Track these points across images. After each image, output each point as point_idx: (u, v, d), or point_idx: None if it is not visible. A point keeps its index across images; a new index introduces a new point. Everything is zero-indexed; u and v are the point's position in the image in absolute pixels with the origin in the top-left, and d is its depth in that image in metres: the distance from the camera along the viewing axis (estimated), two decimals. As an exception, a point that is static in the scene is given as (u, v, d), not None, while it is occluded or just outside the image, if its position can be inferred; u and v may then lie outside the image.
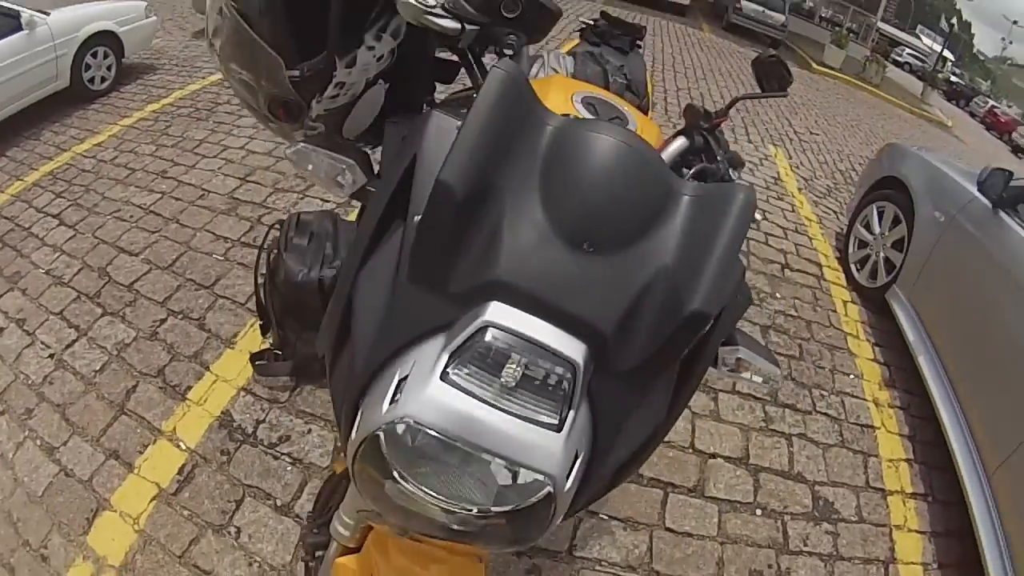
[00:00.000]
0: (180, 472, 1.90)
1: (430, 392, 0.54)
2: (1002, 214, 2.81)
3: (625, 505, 2.04)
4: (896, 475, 2.55)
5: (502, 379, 0.54)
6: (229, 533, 1.75)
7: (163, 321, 2.50)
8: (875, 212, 3.78)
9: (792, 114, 8.07)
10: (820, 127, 7.97)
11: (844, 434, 2.66)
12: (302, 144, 0.78)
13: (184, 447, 1.99)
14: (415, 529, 0.65)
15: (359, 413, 0.60)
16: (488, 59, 0.79)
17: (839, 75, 14.09)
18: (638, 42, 2.17)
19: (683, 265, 0.56)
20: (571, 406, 0.55)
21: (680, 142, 0.90)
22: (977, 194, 2.99)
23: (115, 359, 2.31)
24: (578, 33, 2.18)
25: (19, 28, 4.68)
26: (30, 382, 2.24)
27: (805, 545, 2.14)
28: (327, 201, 3.41)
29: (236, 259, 2.91)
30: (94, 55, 5.37)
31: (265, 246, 2.36)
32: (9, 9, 4.75)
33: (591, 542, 1.90)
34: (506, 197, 0.56)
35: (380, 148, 0.86)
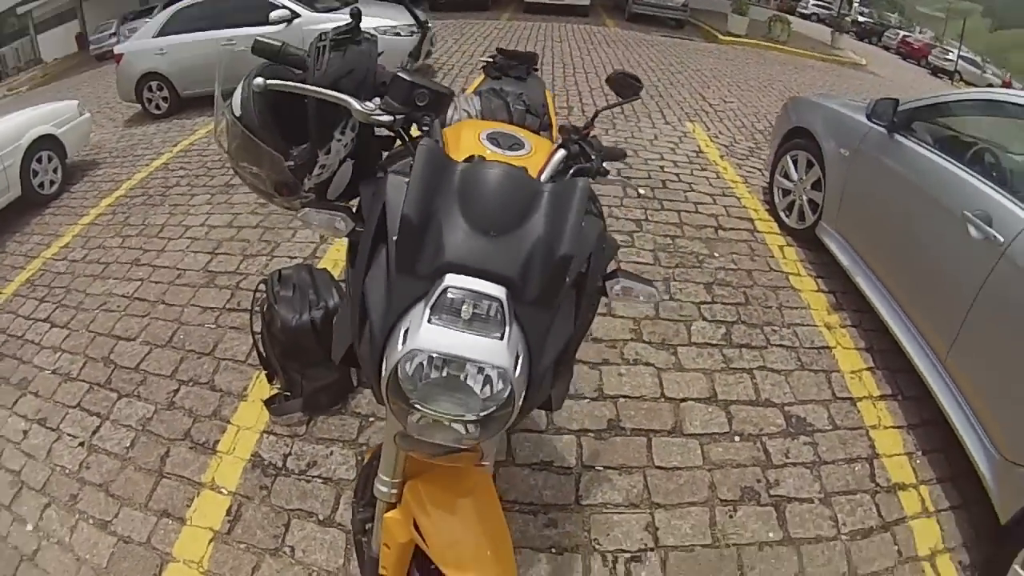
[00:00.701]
0: (228, 513, 2.13)
1: (423, 332, 0.89)
2: (897, 136, 3.15)
3: (615, 456, 2.33)
4: (861, 383, 2.83)
5: (462, 316, 0.89)
6: (284, 553, 1.99)
7: (176, 391, 2.72)
8: (790, 161, 4.15)
9: (704, 88, 8.47)
10: (734, 95, 8.36)
11: (802, 359, 2.94)
12: (305, 209, 1.12)
13: (226, 492, 2.21)
14: (439, 440, 0.96)
15: (384, 364, 0.93)
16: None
17: (746, 40, 14.65)
18: (533, 68, 2.48)
19: (549, 231, 0.94)
20: (505, 324, 0.90)
21: (560, 153, 1.23)
22: (872, 124, 3.34)
23: (142, 433, 2.52)
24: (481, 71, 2.49)
25: None
26: (68, 471, 2.42)
27: (787, 458, 2.40)
28: (293, 257, 3.66)
29: (227, 324, 3.13)
30: (39, 160, 5.46)
31: (254, 307, 2.63)
32: (-50, 125, 4.78)
33: (593, 491, 2.19)
34: (440, 215, 0.94)
35: (357, 200, 1.24)
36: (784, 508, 2.20)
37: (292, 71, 1.28)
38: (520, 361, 0.91)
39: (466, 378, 0.89)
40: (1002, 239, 2.26)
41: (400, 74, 1.16)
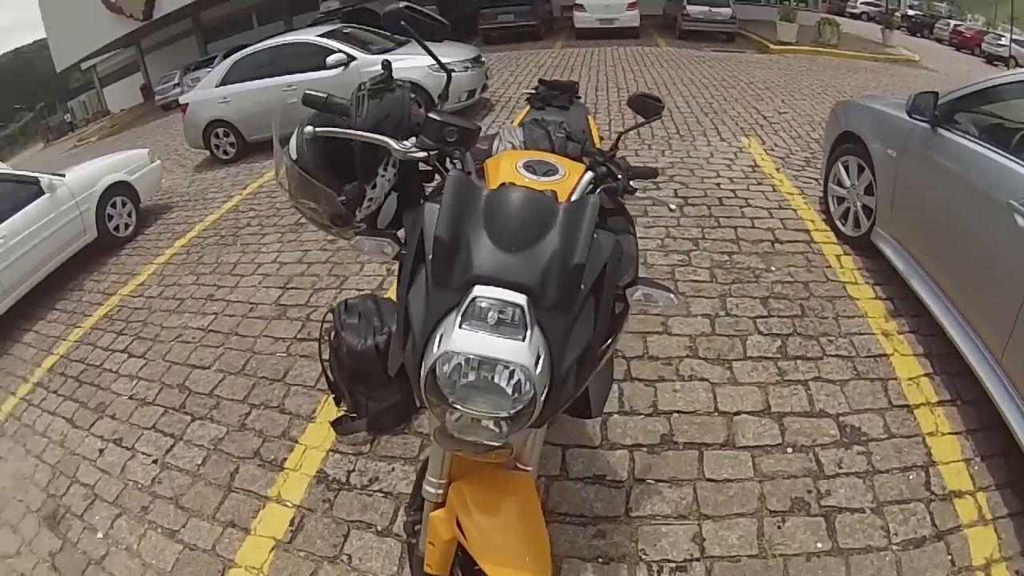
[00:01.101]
0: (291, 524, 2.28)
1: (455, 336, 1.02)
2: (941, 131, 3.07)
3: (667, 469, 2.35)
4: (918, 390, 2.75)
5: (488, 321, 1.02)
6: (342, 561, 2.12)
7: (248, 414, 2.92)
8: (842, 168, 4.07)
9: (758, 100, 8.39)
10: (788, 105, 8.25)
11: (858, 368, 2.88)
12: (357, 237, 1.28)
13: (291, 504, 2.37)
14: (472, 437, 1.07)
15: (423, 366, 1.04)
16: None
17: (797, 48, 14.43)
18: (576, 96, 2.59)
19: (563, 244, 1.06)
20: (527, 327, 1.02)
21: (588, 176, 1.35)
22: (916, 121, 3.26)
23: (214, 452, 2.73)
24: (526, 102, 2.60)
25: (40, 193, 5.20)
26: (140, 486, 2.65)
27: (840, 468, 2.36)
28: (361, 290, 3.85)
29: (297, 353, 3.33)
30: (113, 205, 5.88)
31: (322, 335, 2.80)
32: (27, 176, 5.28)
33: (643, 503, 2.22)
34: (469, 235, 1.07)
35: (403, 229, 1.38)
36: (834, 518, 2.17)
37: (338, 118, 1.47)
38: (541, 361, 1.02)
39: (496, 378, 1.00)
40: None
41: (431, 115, 1.33)
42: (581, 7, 15.75)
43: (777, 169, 5.50)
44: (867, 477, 2.33)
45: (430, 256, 1.06)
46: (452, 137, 1.32)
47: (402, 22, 1.42)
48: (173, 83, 20.12)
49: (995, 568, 2.04)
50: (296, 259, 4.51)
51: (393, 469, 2.46)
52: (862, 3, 33.78)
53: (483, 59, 8.35)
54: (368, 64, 7.55)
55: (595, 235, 1.09)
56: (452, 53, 8.07)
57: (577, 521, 2.15)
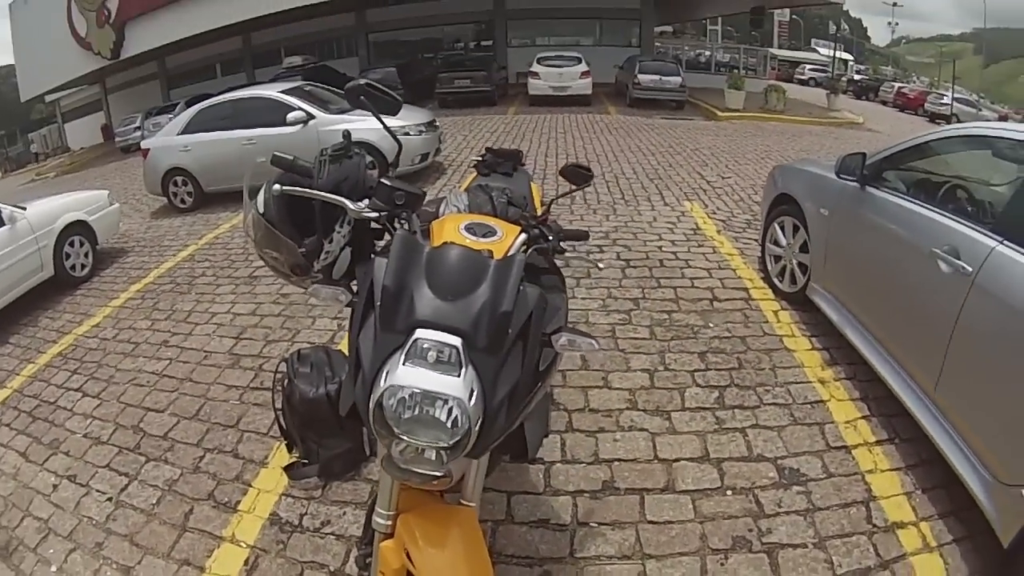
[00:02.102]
0: (246, 563, 2.31)
1: (399, 371, 1.16)
2: (868, 189, 3.33)
3: (609, 513, 2.45)
4: (856, 432, 2.91)
5: (428, 359, 1.16)
6: (296, 601, 2.14)
7: (202, 458, 2.93)
8: (778, 228, 4.36)
9: (703, 166, 8.83)
10: (731, 169, 8.70)
11: (795, 414, 3.04)
12: (314, 285, 1.41)
13: (245, 544, 2.40)
14: (416, 467, 1.19)
15: (371, 399, 1.17)
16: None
17: (744, 114, 15.26)
18: (520, 163, 2.78)
19: (493, 295, 1.21)
20: (462, 365, 1.17)
21: (522, 237, 1.53)
22: (844, 181, 3.51)
23: (168, 492, 2.73)
24: (473, 168, 2.80)
25: (1, 223, 5.08)
26: (95, 522, 2.63)
27: (780, 507, 2.46)
28: (313, 342, 3.90)
29: (250, 401, 3.37)
30: (71, 244, 5.79)
31: (275, 384, 2.86)
32: (-12, 205, 5.08)
33: (587, 544, 2.31)
34: (412, 285, 1.22)
35: (354, 280, 1.52)
36: (777, 554, 2.27)
37: (301, 179, 1.64)
38: (475, 395, 1.17)
39: (435, 412, 1.14)
40: (970, 269, 2.35)
41: (383, 180, 1.52)
42: (536, 75, 16.43)
43: (718, 231, 5.78)
44: (808, 514, 2.43)
45: (378, 303, 1.21)
46: (400, 200, 1.50)
47: (362, 97, 1.60)
48: (134, 126, 20.02)
49: None
50: (250, 311, 4.56)
51: (344, 513, 2.51)
52: (810, 69, 35.75)
53: (437, 123, 8.61)
54: (327, 124, 7.70)
55: (522, 287, 1.26)
56: (408, 117, 8.27)
57: (523, 562, 2.22)
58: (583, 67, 16.56)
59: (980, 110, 27.62)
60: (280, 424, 2.84)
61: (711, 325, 3.93)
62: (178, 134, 8.41)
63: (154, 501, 2.69)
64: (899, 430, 2.91)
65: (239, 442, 3.02)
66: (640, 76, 16.39)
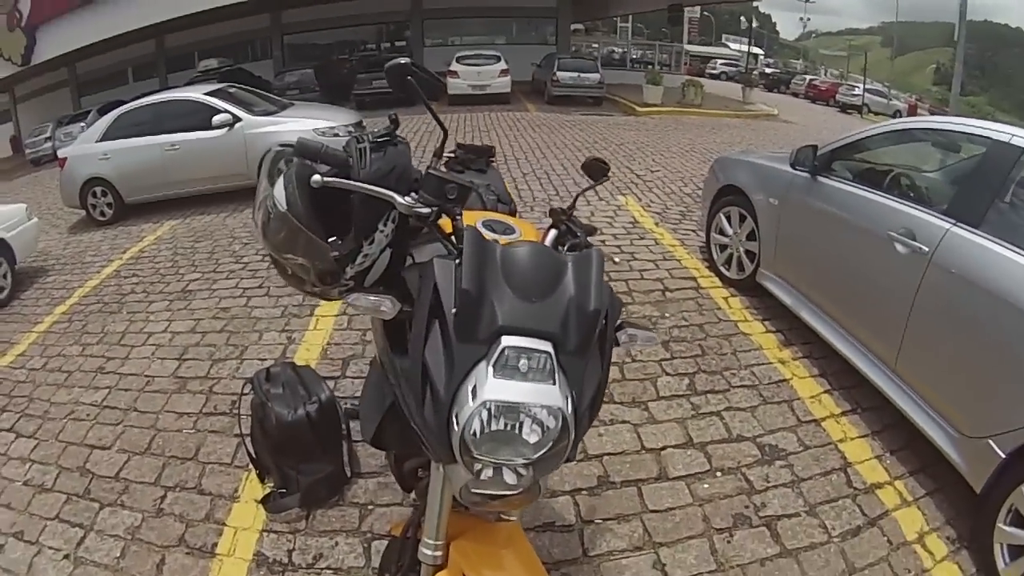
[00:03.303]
0: (240, 615, 2.09)
1: (489, 385, 1.02)
2: (820, 178, 3.54)
3: (611, 508, 2.46)
4: (821, 405, 3.11)
5: (520, 369, 1.04)
6: (306, 649, 1.97)
7: (163, 497, 2.65)
8: (723, 218, 4.51)
9: (630, 161, 9.04)
10: (659, 163, 8.93)
11: (763, 394, 3.20)
12: (353, 295, 1.21)
13: (233, 593, 2.17)
14: (496, 490, 1.07)
15: (453, 421, 1.05)
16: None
17: (663, 109, 15.75)
18: (491, 159, 2.71)
19: (579, 293, 1.11)
20: (555, 372, 1.06)
21: (553, 233, 1.47)
22: (797, 172, 3.72)
23: (132, 541, 2.44)
24: (444, 165, 2.69)
25: None
26: None
27: (768, 482, 2.60)
28: (264, 359, 3.68)
29: (206, 428, 3.11)
30: (-12, 265, 5.25)
31: (240, 408, 2.65)
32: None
33: (597, 542, 2.29)
34: (490, 288, 1.09)
35: (386, 286, 1.38)
36: (775, 525, 2.38)
37: (318, 167, 1.36)
38: (569, 402, 1.07)
39: (520, 427, 1.03)
40: (926, 248, 2.59)
41: (432, 171, 1.31)
42: (454, 74, 16.34)
43: (656, 224, 5.93)
44: (794, 486, 2.58)
45: (454, 310, 1.07)
46: (452, 194, 1.29)
47: (408, 78, 1.41)
48: (45, 136, 18.57)
49: (928, 538, 2.36)
50: (189, 328, 4.26)
51: (336, 543, 2.34)
52: (721, 64, 37.21)
53: (364, 124, 8.46)
54: (253, 126, 7.47)
55: None
56: (336, 118, 8.15)
57: (540, 569, 2.17)
58: (502, 65, 16.66)
59: (891, 100, 29.60)
60: (249, 452, 2.64)
61: (667, 315, 4.03)
62: (96, 141, 7.93)
63: (117, 554, 2.40)
64: (860, 400, 3.12)
65: (202, 476, 2.78)
66: (559, 73, 16.64)
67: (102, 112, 8.79)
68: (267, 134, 7.27)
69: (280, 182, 1.37)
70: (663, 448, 2.79)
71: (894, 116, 21.81)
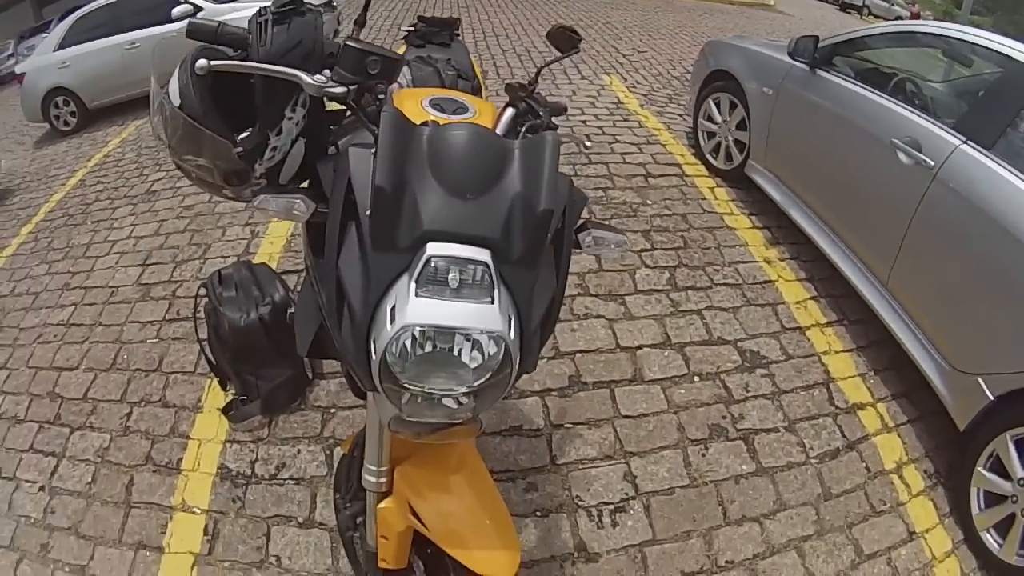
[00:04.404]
0: (206, 532, 2.07)
1: (412, 306, 0.84)
2: (820, 72, 3.28)
3: (582, 411, 2.38)
4: (807, 313, 2.97)
5: (450, 285, 0.85)
6: (271, 564, 1.95)
7: (129, 415, 2.60)
8: (712, 104, 4.24)
9: (617, 40, 8.53)
10: (646, 44, 8.44)
11: (747, 295, 3.06)
12: (260, 196, 1.02)
13: (199, 510, 2.15)
14: (431, 417, 0.94)
15: (371, 346, 0.89)
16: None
17: (654, -11, 14.75)
18: (456, 33, 2.42)
19: (526, 188, 0.89)
20: (494, 287, 0.86)
21: (510, 112, 1.23)
22: (794, 62, 3.45)
23: (102, 465, 2.40)
24: (403, 40, 2.42)
25: None
26: (33, 520, 2.28)
27: (748, 392, 2.51)
28: (227, 257, 3.54)
29: (169, 336, 3.01)
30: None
31: (197, 313, 2.53)
32: None
33: (566, 449, 2.24)
34: (413, 184, 0.87)
35: (305, 182, 1.21)
36: (752, 440, 2.31)
37: (227, 51, 1.19)
38: (512, 323, 0.89)
39: (456, 351, 0.86)
40: (932, 163, 2.39)
41: (349, 43, 1.07)
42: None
43: (641, 106, 5.62)
44: (775, 398, 2.49)
45: (367, 212, 0.87)
46: (374, 69, 1.06)
47: None
48: (7, 54, 17.49)
49: (905, 470, 2.28)
50: (152, 231, 4.09)
51: (299, 452, 2.30)
52: (718, -54, 34.58)
53: (336, 3, 7.87)
54: (216, 14, 6.85)
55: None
56: None
57: (504, 477, 2.12)
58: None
59: (893, 4, 27.95)
60: (208, 358, 2.56)
61: (649, 203, 3.84)
62: (55, 50, 7.64)
63: (89, 479, 2.36)
64: (847, 311, 2.99)
65: (166, 388, 2.70)
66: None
67: (64, 19, 8.24)
68: (233, 21, 6.74)
69: (175, 74, 1.15)
70: (639, 347, 2.69)
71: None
